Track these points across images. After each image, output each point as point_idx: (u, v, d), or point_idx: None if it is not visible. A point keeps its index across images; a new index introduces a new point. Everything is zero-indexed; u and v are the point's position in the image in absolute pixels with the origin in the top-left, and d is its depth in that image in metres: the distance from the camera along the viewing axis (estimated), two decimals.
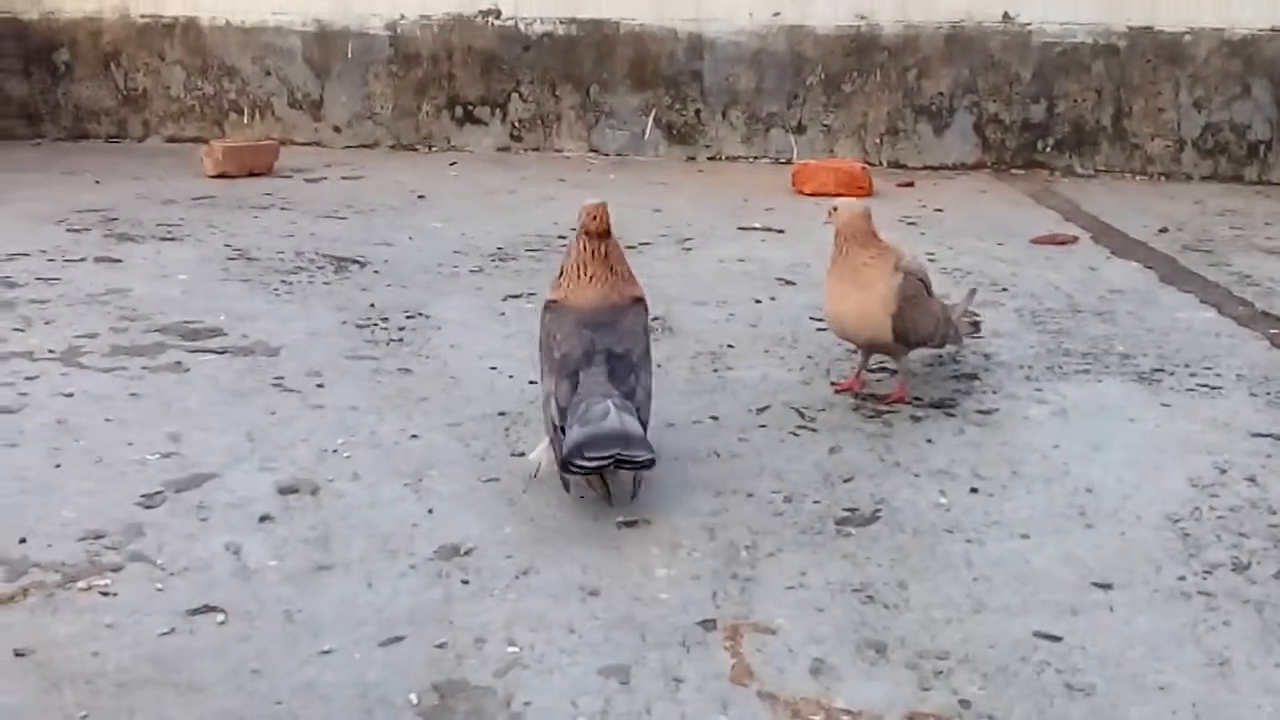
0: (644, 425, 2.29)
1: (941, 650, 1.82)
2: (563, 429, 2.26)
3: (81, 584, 1.98)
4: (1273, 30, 5.99)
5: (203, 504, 2.28)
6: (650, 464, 2.21)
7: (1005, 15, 6.19)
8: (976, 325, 3.15)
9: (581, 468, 2.18)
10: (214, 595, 1.95)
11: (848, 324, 2.79)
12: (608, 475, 2.30)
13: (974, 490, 2.39)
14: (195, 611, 1.90)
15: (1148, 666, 1.78)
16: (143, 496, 2.30)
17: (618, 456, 2.17)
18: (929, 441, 2.63)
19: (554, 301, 2.47)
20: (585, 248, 2.46)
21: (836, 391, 2.91)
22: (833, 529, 2.21)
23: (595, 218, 2.44)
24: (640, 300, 2.50)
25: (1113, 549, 2.16)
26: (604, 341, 2.37)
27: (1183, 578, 2.05)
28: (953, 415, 2.78)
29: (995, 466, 2.50)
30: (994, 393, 2.93)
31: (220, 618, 1.89)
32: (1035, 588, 2.02)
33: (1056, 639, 1.85)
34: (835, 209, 2.79)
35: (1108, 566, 2.09)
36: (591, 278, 2.44)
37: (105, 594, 1.95)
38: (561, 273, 2.49)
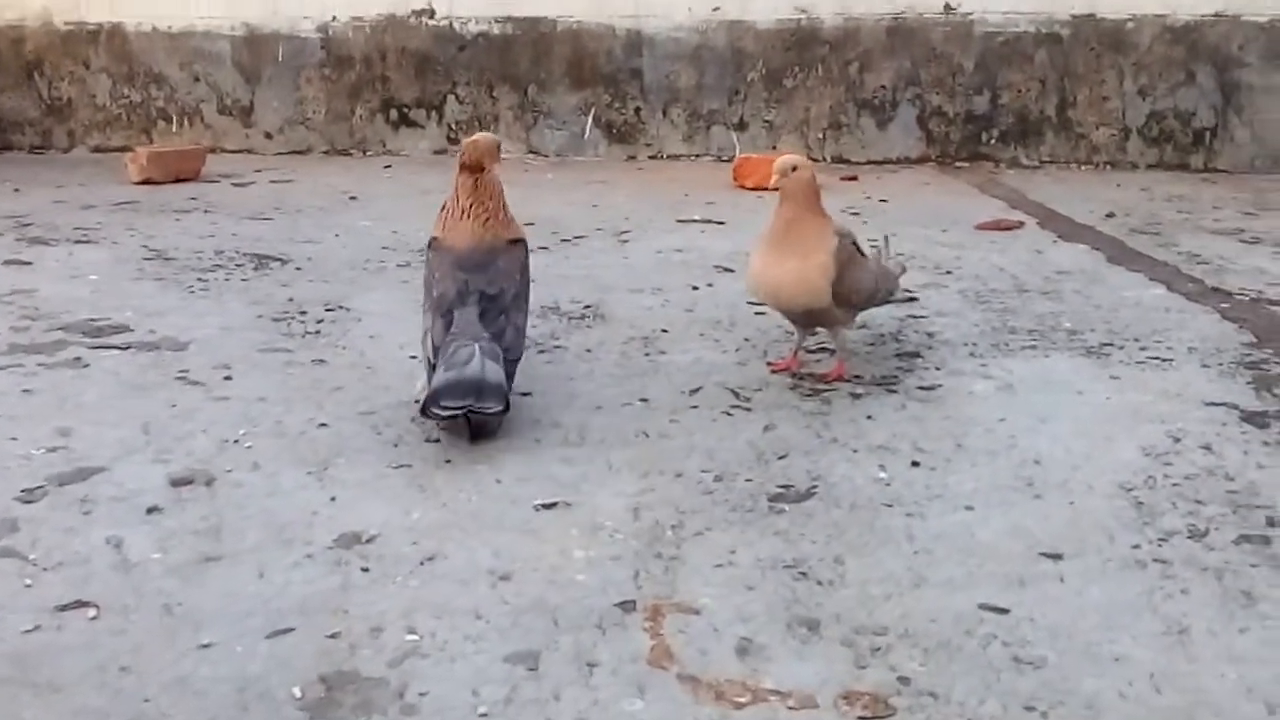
0: (515, 363, 2.44)
1: (879, 626, 1.68)
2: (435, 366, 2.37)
3: None
4: (1216, 15, 5.94)
5: (86, 498, 2.11)
6: (500, 414, 2.32)
7: (946, 6, 6.11)
8: (903, 268, 3.13)
9: (436, 415, 2.28)
10: (88, 590, 1.78)
11: (783, 292, 2.63)
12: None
13: (915, 464, 2.25)
14: (65, 607, 1.73)
15: (1102, 637, 1.65)
16: (22, 491, 2.12)
17: (469, 408, 2.27)
18: (869, 418, 2.49)
19: (435, 239, 2.58)
20: (463, 184, 2.56)
21: (773, 372, 2.78)
22: (765, 506, 2.07)
23: (466, 151, 2.54)
24: (519, 241, 2.59)
25: (1062, 519, 2.03)
26: (477, 282, 2.46)
27: (1137, 546, 1.92)
28: (894, 392, 2.65)
29: (938, 440, 2.37)
30: (937, 369, 2.81)
31: (92, 613, 1.72)
32: (980, 560, 1.88)
33: (1003, 611, 1.72)
34: (795, 168, 2.62)
35: (1057, 537, 1.96)
36: (466, 215, 2.54)
37: None
38: (444, 208, 2.57)
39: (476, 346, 2.35)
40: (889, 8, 6.14)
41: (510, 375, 2.40)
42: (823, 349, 2.93)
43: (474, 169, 2.55)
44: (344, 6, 6.52)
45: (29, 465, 2.25)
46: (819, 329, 2.81)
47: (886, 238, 3.15)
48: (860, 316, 3.16)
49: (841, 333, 2.76)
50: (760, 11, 6.24)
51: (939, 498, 2.11)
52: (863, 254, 2.76)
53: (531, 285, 2.68)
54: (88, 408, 2.57)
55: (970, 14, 6.10)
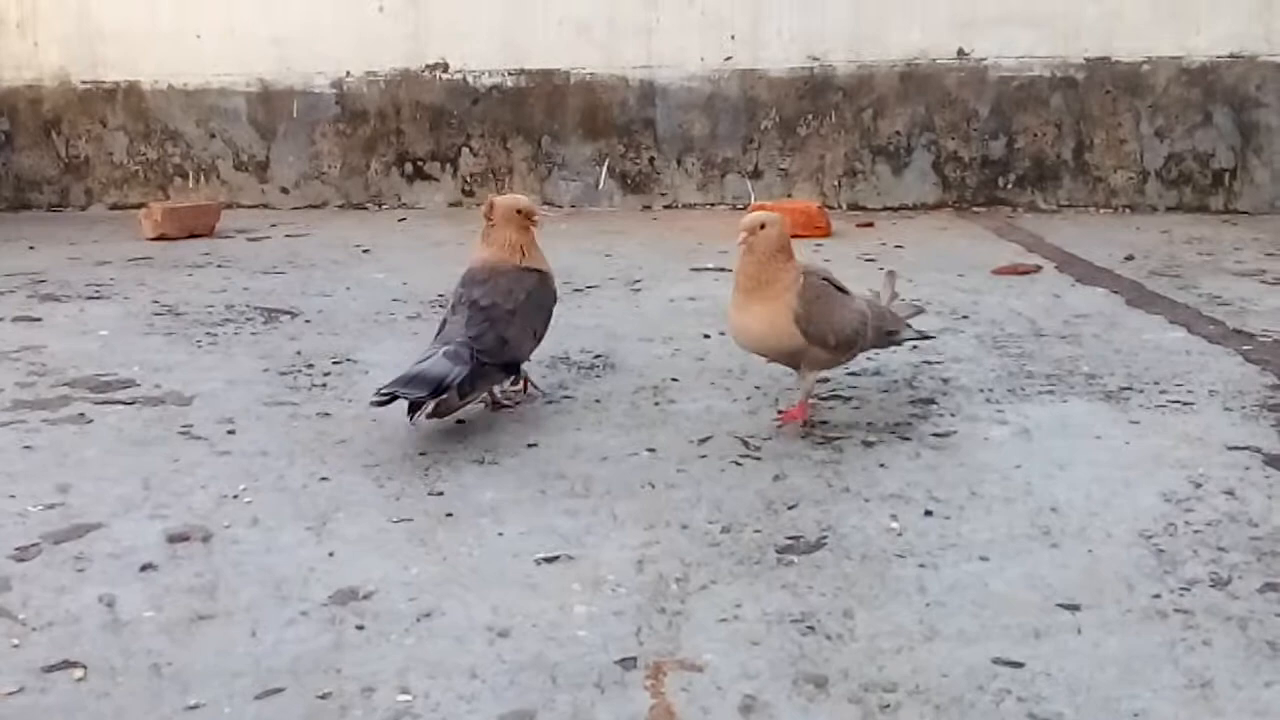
0: (484, 362, 2.65)
1: (889, 682, 1.62)
2: None
3: None
4: (1232, 56, 5.91)
5: (81, 555, 2.06)
6: (420, 400, 2.51)
7: (960, 51, 6.09)
8: (917, 306, 3.02)
9: (372, 400, 2.54)
10: (76, 650, 1.74)
11: (754, 336, 2.58)
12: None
13: (929, 513, 2.19)
14: (51, 668, 1.69)
15: (1121, 691, 1.58)
16: (16, 549, 2.08)
17: (395, 393, 2.49)
18: (881, 466, 2.44)
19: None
20: (485, 230, 2.88)
21: (780, 426, 2.71)
22: (773, 558, 2.01)
23: (486, 209, 2.89)
24: (535, 270, 2.85)
25: (1080, 568, 1.96)
26: (471, 294, 2.74)
27: (1157, 596, 1.85)
28: (908, 439, 2.60)
29: (952, 489, 2.31)
30: (952, 415, 2.75)
31: (79, 673, 1.67)
32: (995, 612, 1.82)
33: (1018, 665, 1.65)
34: (763, 225, 2.53)
35: (1075, 587, 1.89)
36: (485, 245, 2.86)
37: None
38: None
39: (441, 350, 2.59)
40: (902, 54, 6.12)
41: (481, 376, 2.65)
42: (835, 395, 2.88)
43: (487, 218, 2.89)
44: (358, 62, 6.55)
45: (25, 523, 2.21)
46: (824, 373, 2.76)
47: (891, 274, 3.02)
48: (870, 360, 3.11)
49: (809, 376, 2.65)
50: (773, 60, 6.23)
51: (953, 547, 2.05)
52: (842, 291, 2.65)
53: (550, 322, 2.92)
54: (89, 464, 2.53)
55: (984, 59, 6.08)
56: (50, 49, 6.83)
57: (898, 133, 6.18)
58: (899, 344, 2.93)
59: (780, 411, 2.76)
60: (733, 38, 6.23)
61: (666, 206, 6.40)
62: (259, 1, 6.56)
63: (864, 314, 2.66)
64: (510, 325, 2.72)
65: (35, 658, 1.72)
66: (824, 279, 2.61)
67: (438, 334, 2.76)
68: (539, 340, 2.87)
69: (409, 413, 2.56)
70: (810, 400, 2.74)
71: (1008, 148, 6.14)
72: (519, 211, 2.88)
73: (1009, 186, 6.16)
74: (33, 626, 1.82)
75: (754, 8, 6.20)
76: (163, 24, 6.66)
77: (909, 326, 2.87)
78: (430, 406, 2.54)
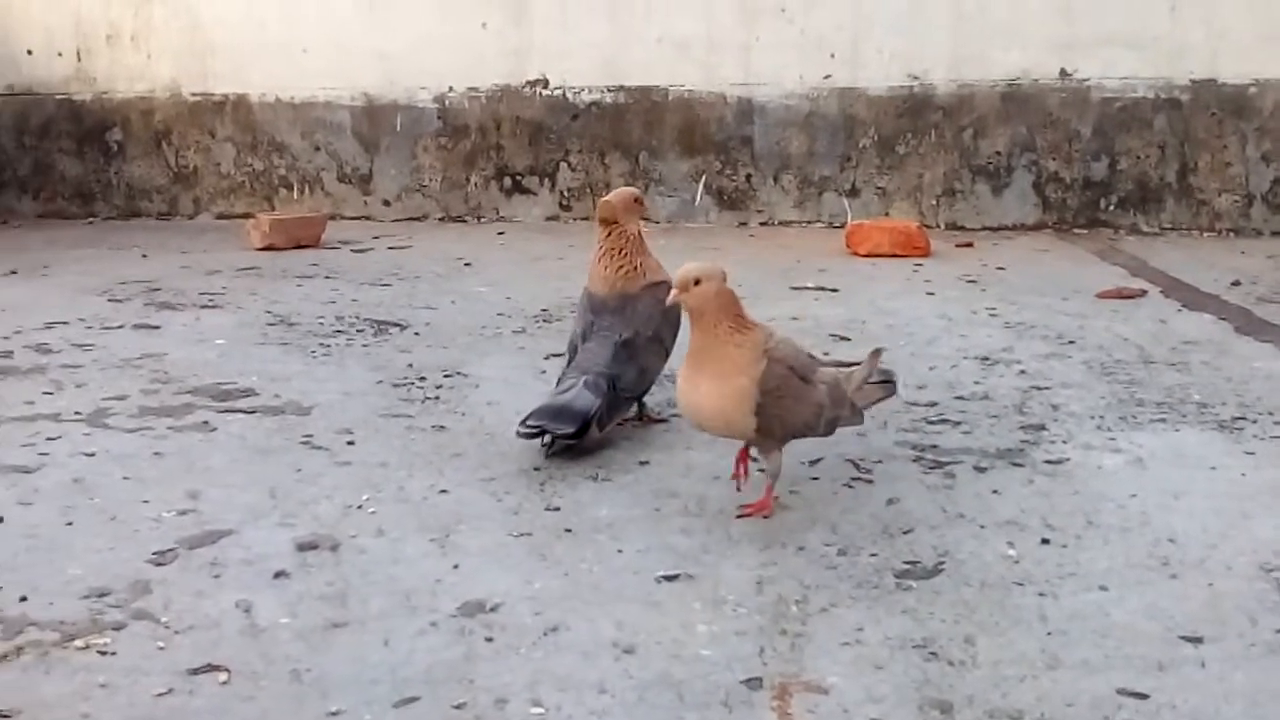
0: (629, 400, 2.76)
1: (1014, 710, 1.63)
2: None
3: (79, 643, 1.84)
4: None
5: (216, 561, 2.14)
6: (568, 436, 2.58)
7: (1063, 72, 6.04)
8: (889, 383, 2.62)
9: (518, 433, 2.63)
10: (219, 654, 1.81)
11: (704, 418, 2.32)
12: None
13: (1045, 541, 2.20)
14: (197, 671, 1.76)
15: None
16: (154, 554, 2.17)
17: (543, 427, 2.59)
18: (995, 493, 2.44)
19: (585, 288, 2.90)
20: (603, 236, 2.83)
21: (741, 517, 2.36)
22: (891, 582, 2.03)
23: (602, 206, 2.82)
24: (660, 284, 2.73)
25: (1201, 600, 1.96)
26: (609, 325, 2.76)
27: None
28: (1020, 465, 2.60)
29: (1068, 517, 2.31)
30: (1064, 442, 2.74)
31: (223, 677, 1.74)
32: (1117, 642, 1.82)
33: (1143, 696, 1.66)
34: (698, 281, 2.25)
35: (1196, 619, 1.89)
36: (606, 265, 2.81)
37: (103, 653, 1.81)
38: (591, 261, 2.88)
39: (582, 380, 2.62)
40: (1003, 74, 6.09)
41: (615, 407, 2.70)
42: (944, 420, 2.89)
43: (608, 223, 2.82)
44: (460, 78, 6.65)
45: (160, 528, 2.30)
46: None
47: (874, 354, 2.56)
48: (978, 385, 3.12)
49: (775, 457, 2.37)
50: (872, 78, 6.23)
51: (1071, 576, 2.05)
52: (806, 380, 2.34)
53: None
54: (215, 471, 2.62)
55: (1087, 79, 6.02)
56: (162, 61, 7.01)
57: (998, 152, 6.15)
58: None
59: (743, 506, 2.38)
60: (832, 56, 6.24)
61: (762, 223, 6.41)
62: (365, 17, 6.68)
63: (820, 406, 2.36)
64: (648, 353, 2.78)
65: (180, 660, 1.79)
66: (790, 367, 2.31)
67: (570, 361, 2.80)
68: (669, 355, 2.87)
69: (548, 444, 2.65)
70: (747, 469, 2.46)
71: (1110, 169, 6.08)
72: (636, 200, 2.88)
73: (1111, 208, 6.09)
74: (175, 630, 1.89)
75: (854, 27, 6.20)
76: (271, 38, 6.81)
77: (861, 419, 2.54)
78: (568, 443, 2.60)
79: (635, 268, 2.82)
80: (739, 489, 2.43)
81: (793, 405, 2.31)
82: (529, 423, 2.61)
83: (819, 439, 2.49)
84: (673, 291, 2.29)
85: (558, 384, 2.77)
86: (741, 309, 2.31)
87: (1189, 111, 5.98)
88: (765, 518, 2.32)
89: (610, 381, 2.67)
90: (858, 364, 2.55)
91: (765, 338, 2.31)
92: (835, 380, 2.43)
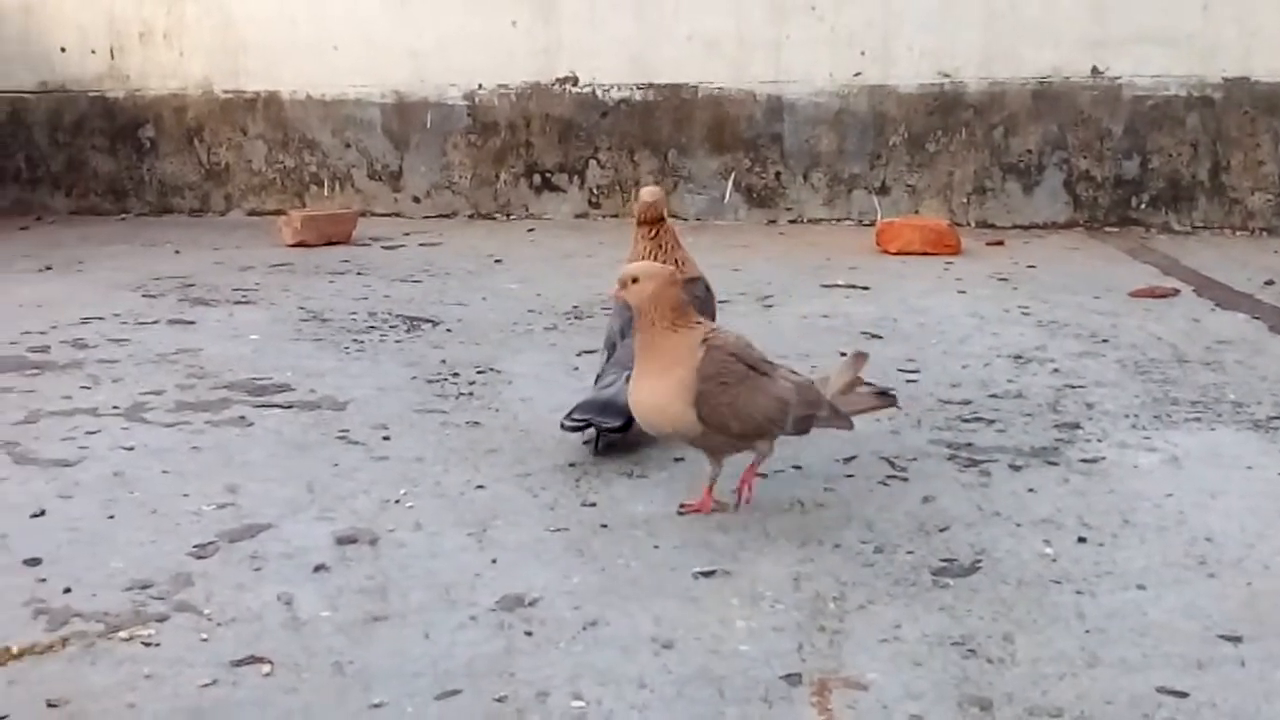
0: None
1: (1054, 707, 1.63)
2: None
3: (123, 634, 1.86)
4: None
5: (256, 554, 2.16)
6: (615, 430, 2.59)
7: (1094, 70, 6.02)
8: (887, 396, 2.50)
9: (564, 425, 2.63)
10: (261, 646, 1.82)
11: (646, 416, 2.29)
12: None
13: (1082, 540, 2.20)
14: (240, 662, 1.77)
15: None
16: (195, 547, 2.19)
17: (589, 421, 2.60)
18: (1031, 491, 2.44)
19: None
20: (642, 235, 2.81)
21: (681, 512, 2.35)
22: (928, 580, 2.04)
23: (647, 207, 2.79)
24: (694, 279, 2.78)
25: (1239, 600, 1.96)
26: None
27: None
28: (1055, 464, 2.59)
29: (1104, 515, 2.31)
30: (1099, 441, 2.74)
31: (266, 669, 1.76)
32: (1155, 640, 1.82)
33: (1182, 695, 1.66)
34: (635, 279, 2.24)
35: (1235, 618, 1.89)
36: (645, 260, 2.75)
37: (147, 644, 1.83)
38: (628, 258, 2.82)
39: (624, 375, 2.54)
40: (1035, 71, 6.07)
41: None
42: (978, 418, 2.89)
43: (652, 223, 2.80)
44: (490, 75, 6.67)
45: (200, 521, 2.32)
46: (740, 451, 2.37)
47: (857, 356, 2.49)
48: (1011, 383, 3.11)
49: (713, 465, 2.34)
50: (902, 76, 6.22)
51: (1109, 575, 2.05)
52: (758, 371, 2.28)
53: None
54: (254, 465, 2.64)
55: (1119, 77, 6.00)
56: (194, 59, 7.05)
57: (1029, 150, 6.13)
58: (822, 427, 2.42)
59: (682, 505, 2.37)
60: (863, 53, 6.23)
61: (791, 221, 6.41)
62: (396, 15, 6.71)
63: (783, 401, 2.28)
64: None
65: (224, 652, 1.81)
66: (732, 354, 2.26)
67: (609, 357, 2.80)
68: None
69: (595, 440, 2.66)
70: (714, 487, 2.37)
71: (1141, 167, 6.05)
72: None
73: (1142, 207, 6.07)
74: (217, 622, 1.91)
75: (885, 24, 6.20)
76: (302, 36, 6.84)
77: (847, 422, 2.40)
78: (615, 436, 2.62)
79: (674, 264, 2.82)
80: (736, 507, 2.36)
81: (745, 394, 2.24)
82: (574, 416, 2.62)
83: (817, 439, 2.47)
84: (614, 288, 2.30)
85: (598, 380, 2.77)
86: (685, 309, 2.28)
87: (1221, 110, 5.95)
88: (698, 511, 2.32)
89: None
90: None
91: (706, 330, 2.28)
92: (806, 381, 2.36)
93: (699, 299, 2.81)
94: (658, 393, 2.23)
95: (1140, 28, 5.96)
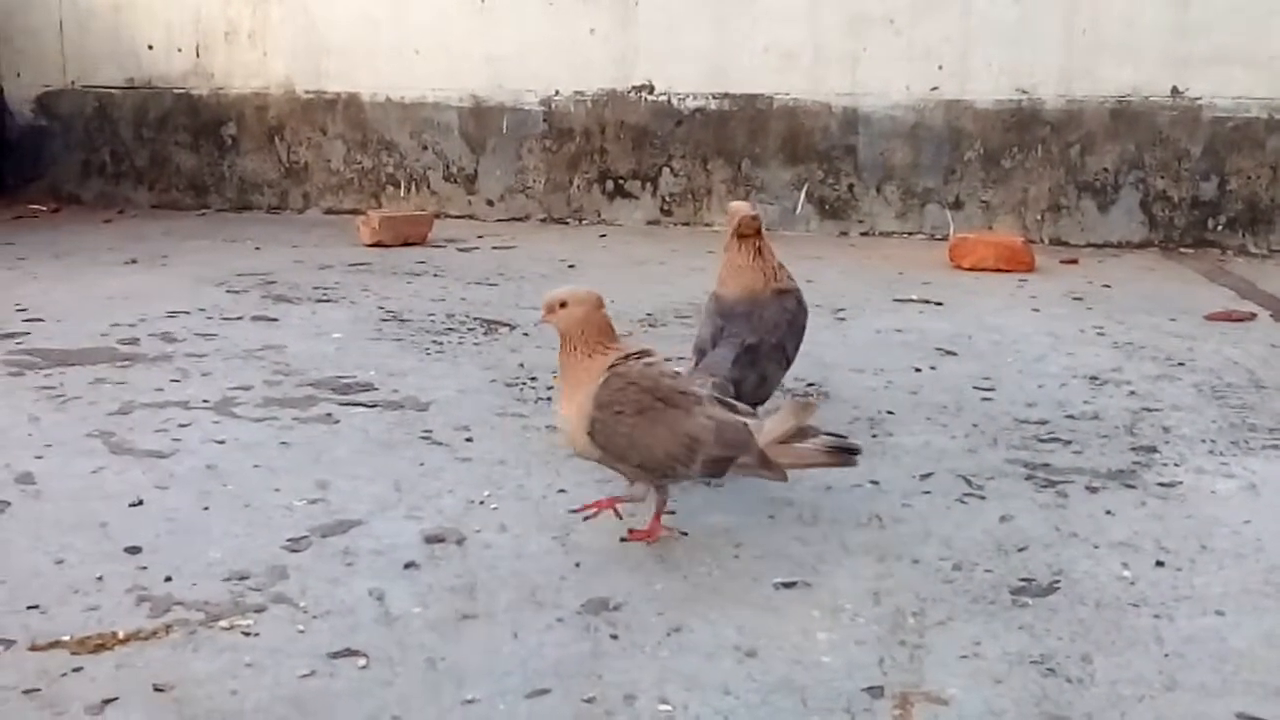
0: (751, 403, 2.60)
1: None
2: None
3: (224, 623, 1.93)
4: None
5: (348, 550, 2.23)
6: None
7: (1174, 90, 5.98)
8: (845, 453, 2.30)
9: None
10: (356, 639, 1.89)
11: (563, 439, 2.30)
12: None
13: (1160, 564, 2.21)
14: (337, 655, 1.84)
15: None
16: (288, 540, 2.26)
17: None
18: (1108, 513, 2.46)
19: (712, 293, 2.95)
20: (739, 249, 2.89)
21: (624, 540, 2.31)
22: (1008, 599, 2.06)
23: (745, 222, 2.86)
24: (787, 291, 2.91)
25: None
26: (735, 328, 2.80)
27: None
28: (1132, 487, 2.61)
29: (1182, 540, 2.32)
30: (1176, 465, 2.74)
31: (362, 662, 1.82)
32: (1235, 667, 1.84)
33: None
34: (564, 303, 2.22)
35: None
36: (738, 274, 2.88)
37: (247, 634, 1.90)
38: (720, 269, 2.95)
39: (711, 383, 2.53)
40: (1114, 90, 6.04)
41: None
42: (1055, 438, 2.90)
43: (749, 237, 2.89)
44: (567, 82, 6.73)
45: (292, 516, 2.39)
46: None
47: (801, 405, 2.32)
48: (1087, 404, 3.12)
49: (640, 489, 2.28)
50: (979, 91, 6.21)
51: (1187, 599, 2.07)
52: (669, 403, 2.19)
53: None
54: (341, 463, 2.71)
55: (1199, 98, 5.96)
56: (277, 59, 7.17)
57: (1105, 169, 6.09)
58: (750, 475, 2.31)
59: (630, 530, 2.33)
60: (940, 68, 6.23)
61: (863, 234, 6.42)
62: (475, 22, 6.78)
63: (692, 439, 2.18)
64: (770, 361, 2.82)
65: (320, 644, 1.87)
66: (633, 383, 2.19)
67: (697, 363, 2.82)
68: (790, 364, 2.95)
69: None
70: (626, 500, 2.34)
71: (1219, 189, 6.00)
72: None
73: (1219, 229, 6.02)
74: (313, 614, 1.97)
75: (963, 39, 6.19)
76: (384, 40, 6.94)
77: (779, 473, 2.25)
78: None
79: (766, 274, 2.90)
80: (585, 517, 2.36)
81: (643, 426, 2.16)
82: None
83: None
84: (542, 312, 2.26)
85: None
86: (611, 335, 2.25)
87: None
88: (649, 543, 2.26)
89: (733, 387, 2.69)
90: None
91: (621, 355, 2.22)
92: (735, 422, 2.23)
93: (789, 313, 2.87)
94: (568, 418, 2.21)
95: (1222, 49, 5.91)
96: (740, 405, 2.36)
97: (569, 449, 2.33)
